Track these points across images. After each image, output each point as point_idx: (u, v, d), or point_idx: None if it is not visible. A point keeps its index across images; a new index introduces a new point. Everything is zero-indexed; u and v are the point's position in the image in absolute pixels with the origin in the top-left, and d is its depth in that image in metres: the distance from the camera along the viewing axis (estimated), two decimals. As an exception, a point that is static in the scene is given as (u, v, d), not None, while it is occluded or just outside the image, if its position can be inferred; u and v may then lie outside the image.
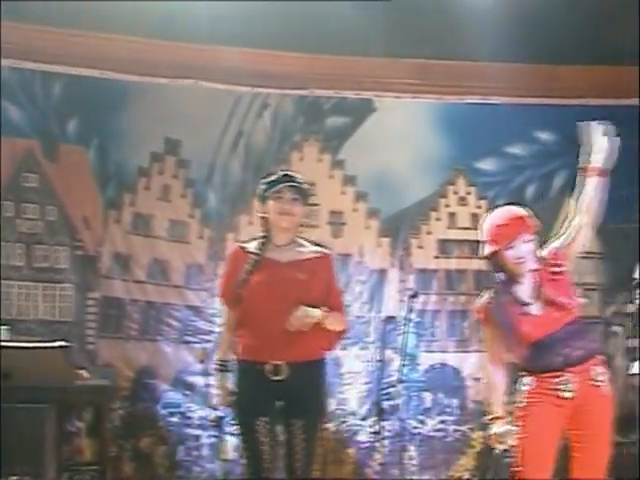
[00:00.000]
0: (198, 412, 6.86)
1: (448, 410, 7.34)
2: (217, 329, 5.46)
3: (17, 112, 6.82)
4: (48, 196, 6.89)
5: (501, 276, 3.85)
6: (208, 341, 6.65)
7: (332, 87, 7.57)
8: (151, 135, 7.18)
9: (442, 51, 7.30)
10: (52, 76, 6.94)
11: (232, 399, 4.12)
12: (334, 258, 4.35)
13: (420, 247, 7.57)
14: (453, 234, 7.44)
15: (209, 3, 6.61)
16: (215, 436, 6.26)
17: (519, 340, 3.78)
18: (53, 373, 5.16)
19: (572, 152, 7.80)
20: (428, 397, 7.36)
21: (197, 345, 6.87)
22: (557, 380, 3.76)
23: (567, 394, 3.76)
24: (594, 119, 7.48)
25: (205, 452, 6.92)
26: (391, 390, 6.33)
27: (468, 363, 7.25)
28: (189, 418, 6.94)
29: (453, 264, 7.44)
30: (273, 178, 4.22)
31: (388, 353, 6.44)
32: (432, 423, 7.31)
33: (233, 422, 4.13)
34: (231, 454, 5.97)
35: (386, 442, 6.21)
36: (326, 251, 4.27)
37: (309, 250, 4.22)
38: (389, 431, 6.34)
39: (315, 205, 7.31)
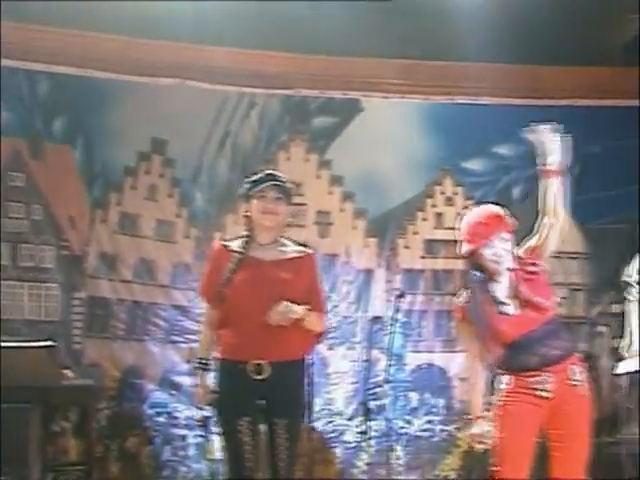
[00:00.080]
0: (185, 412, 6.84)
1: (435, 410, 7.35)
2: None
3: (2, 111, 6.80)
4: (34, 195, 6.87)
5: (478, 275, 3.86)
6: (195, 341, 6.63)
7: (319, 87, 7.58)
8: (138, 134, 7.17)
9: (429, 51, 7.31)
10: (38, 75, 6.92)
11: (213, 398, 4.11)
12: (317, 258, 4.35)
13: (407, 247, 7.58)
14: (440, 234, 7.45)
15: (196, 2, 6.60)
16: (202, 436, 6.25)
17: (496, 339, 3.79)
18: (38, 373, 5.15)
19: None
20: (415, 397, 7.37)
21: (184, 345, 6.86)
22: (534, 379, 3.77)
23: (544, 393, 3.76)
24: (580, 119, 7.51)
25: (192, 452, 6.91)
26: (378, 390, 6.32)
27: (455, 363, 7.25)
28: (176, 418, 6.93)
29: (440, 264, 7.46)
30: (257, 177, 4.22)
31: (375, 353, 6.43)
32: (419, 423, 7.32)
33: (215, 422, 4.11)
34: (218, 454, 5.96)
35: (373, 442, 6.19)
36: (309, 251, 4.27)
37: (293, 250, 4.21)
38: (376, 431, 6.32)
39: (302, 205, 7.32)
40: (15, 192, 6.82)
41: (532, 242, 3.88)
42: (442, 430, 7.28)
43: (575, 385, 3.79)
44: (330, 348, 7.24)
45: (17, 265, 6.78)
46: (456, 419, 7.22)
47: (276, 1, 6.56)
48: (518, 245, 3.90)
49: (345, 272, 7.41)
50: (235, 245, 4.18)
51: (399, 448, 7.16)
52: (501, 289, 3.83)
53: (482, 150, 7.62)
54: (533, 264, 3.83)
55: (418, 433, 7.30)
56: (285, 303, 3.99)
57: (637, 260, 4.94)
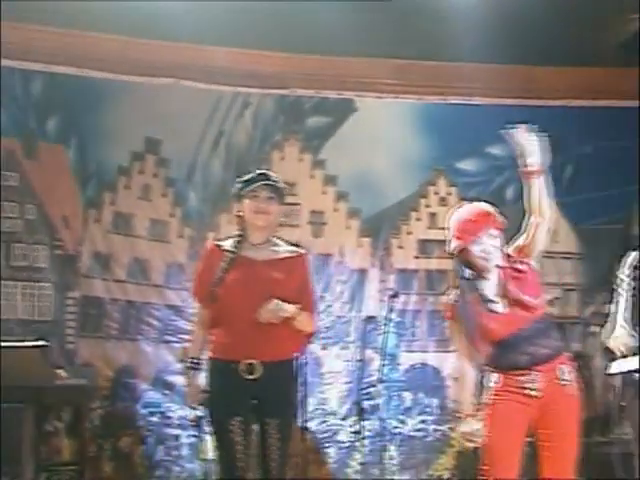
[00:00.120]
0: (178, 412, 6.84)
1: (428, 410, 7.36)
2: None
3: (-4, 110, 6.80)
4: (27, 195, 6.86)
5: (467, 273, 3.86)
6: (188, 340, 6.64)
7: (313, 87, 7.58)
8: (131, 134, 7.16)
9: (423, 52, 7.32)
10: (32, 74, 6.91)
11: (203, 397, 4.10)
12: (310, 258, 4.35)
13: (401, 247, 7.59)
14: (434, 234, 7.44)
15: (190, 2, 6.59)
16: (195, 436, 6.23)
17: (485, 338, 3.80)
18: (32, 373, 5.13)
19: (552, 153, 7.88)
20: (408, 397, 7.38)
21: (177, 344, 6.85)
22: (523, 378, 3.77)
23: (533, 392, 3.77)
24: (573, 120, 7.54)
25: (185, 452, 6.91)
26: (371, 390, 6.32)
27: (448, 363, 7.25)
28: (169, 418, 6.93)
29: (433, 264, 7.46)
30: (249, 177, 4.22)
31: (368, 353, 6.44)
32: (412, 423, 7.33)
33: (207, 421, 4.10)
34: (211, 454, 5.95)
35: (366, 442, 6.20)
36: (302, 251, 4.27)
37: (285, 249, 4.22)
38: (369, 431, 6.33)
39: (296, 205, 7.33)
40: (9, 191, 6.80)
41: (520, 241, 3.89)
42: (436, 430, 7.28)
43: (564, 385, 3.79)
44: (324, 348, 7.25)
45: (10, 265, 6.77)
46: (450, 419, 7.22)
47: (271, 1, 6.56)
48: (507, 244, 3.91)
49: (339, 272, 7.42)
50: (228, 244, 4.18)
51: (393, 448, 7.16)
52: (490, 287, 3.84)
53: (475, 150, 7.63)
54: (522, 263, 3.84)
55: (412, 433, 7.31)
56: (276, 301, 3.99)
57: (631, 256, 4.96)
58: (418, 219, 7.61)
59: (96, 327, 6.96)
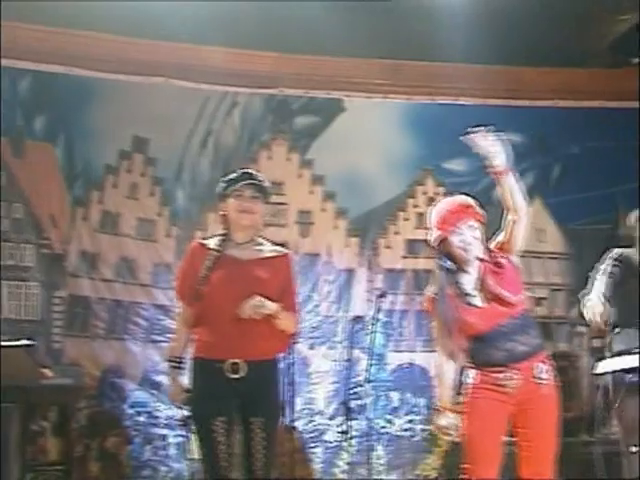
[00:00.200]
0: (165, 411, 6.82)
1: (416, 409, 7.36)
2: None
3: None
4: (15, 193, 6.83)
5: (447, 265, 3.88)
6: (171, 339, 6.62)
7: (302, 86, 7.59)
8: (119, 133, 7.15)
9: (412, 52, 7.33)
10: (19, 72, 6.89)
11: (187, 397, 4.09)
12: (293, 259, 4.35)
13: (388, 247, 7.59)
14: (421, 234, 7.39)
15: (179, 2, 6.58)
16: (182, 435, 6.22)
17: (462, 331, 3.82)
18: (18, 372, 5.09)
19: (540, 153, 7.92)
20: (396, 396, 7.38)
21: (164, 344, 6.82)
22: (501, 375, 3.78)
23: (510, 390, 3.77)
24: (560, 121, 7.56)
25: (172, 451, 6.89)
26: (359, 389, 6.32)
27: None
28: (156, 417, 6.91)
29: (421, 264, 7.46)
30: (233, 176, 4.21)
31: (356, 353, 6.44)
32: (400, 422, 7.34)
33: (189, 421, 4.09)
34: (195, 453, 5.95)
35: (354, 441, 6.20)
36: (285, 251, 4.28)
37: (269, 249, 4.22)
38: (357, 430, 6.32)
39: (283, 204, 7.33)
40: (-5, 190, 6.79)
41: (500, 238, 3.92)
42: (423, 430, 7.29)
43: (541, 383, 3.80)
44: (311, 348, 7.25)
45: (-3, 263, 6.75)
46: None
47: (259, 1, 6.56)
48: (489, 241, 3.93)
49: (326, 272, 7.42)
50: (212, 243, 4.18)
51: (380, 448, 7.17)
52: (469, 281, 3.86)
53: (463, 151, 7.55)
54: (502, 258, 3.85)
55: (399, 433, 7.32)
56: (258, 297, 3.99)
57: (614, 252, 5.02)
58: (406, 219, 7.62)
59: (83, 326, 6.94)
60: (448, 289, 3.85)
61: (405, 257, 7.56)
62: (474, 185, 7.61)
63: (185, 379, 4.11)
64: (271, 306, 4.02)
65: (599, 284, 4.78)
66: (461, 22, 6.64)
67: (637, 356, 4.63)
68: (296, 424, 6.39)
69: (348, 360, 6.27)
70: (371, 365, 6.14)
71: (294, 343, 5.20)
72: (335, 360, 7.23)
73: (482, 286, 3.83)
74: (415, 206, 7.61)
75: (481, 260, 3.85)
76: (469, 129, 3.84)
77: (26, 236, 6.84)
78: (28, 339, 5.33)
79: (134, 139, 7.21)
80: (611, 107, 7.70)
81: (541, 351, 3.86)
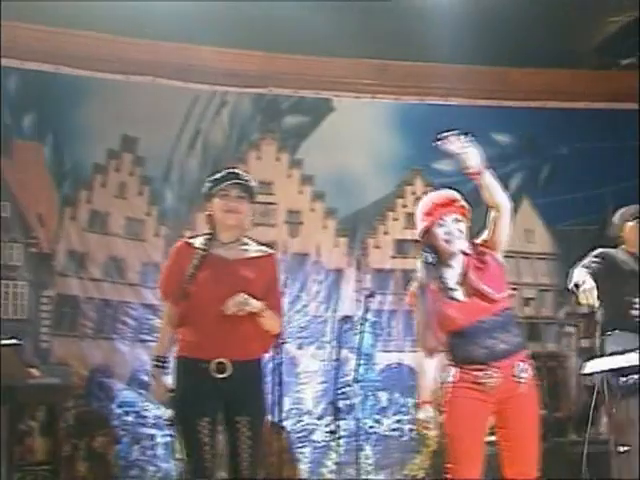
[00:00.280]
0: (153, 411, 6.81)
1: (404, 410, 7.37)
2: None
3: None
4: (2, 192, 6.80)
5: (431, 257, 3.89)
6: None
7: (291, 86, 7.58)
8: (108, 132, 7.13)
9: (401, 52, 7.33)
10: (7, 71, 6.85)
11: (169, 396, 4.08)
12: (279, 259, 4.36)
13: (377, 247, 7.60)
14: (410, 234, 7.42)
15: (167, 1, 6.56)
16: (170, 435, 6.22)
17: (443, 326, 3.83)
18: (5, 372, 5.08)
19: (528, 154, 7.94)
20: (384, 396, 7.39)
21: (153, 344, 6.81)
22: (480, 374, 3.78)
23: (490, 388, 3.78)
24: (549, 121, 7.57)
25: (160, 451, 6.88)
26: (347, 389, 6.33)
27: (424, 363, 7.27)
28: (144, 417, 6.90)
29: (410, 264, 7.43)
30: (219, 176, 4.21)
31: (344, 352, 6.44)
32: (388, 422, 7.34)
33: (173, 421, 4.07)
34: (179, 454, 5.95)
35: (342, 441, 6.20)
36: (271, 251, 4.28)
37: (254, 249, 4.22)
38: (345, 430, 6.33)
39: (272, 204, 7.32)
40: (-18, 189, 6.76)
41: (484, 236, 3.94)
42: (411, 429, 7.29)
43: (520, 382, 3.81)
44: (300, 347, 7.25)
45: (-16, 263, 6.72)
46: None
47: (249, 1, 6.55)
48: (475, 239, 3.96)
49: (315, 271, 7.42)
50: (198, 242, 4.18)
51: (368, 447, 7.17)
52: (452, 275, 3.87)
53: (453, 151, 7.64)
54: (486, 254, 3.87)
55: (387, 432, 7.32)
56: (243, 295, 3.99)
57: (597, 251, 5.07)
58: (395, 219, 7.63)
59: (71, 326, 6.92)
60: (431, 283, 3.86)
61: (394, 257, 7.57)
62: (463, 185, 7.57)
63: (169, 379, 4.10)
64: (256, 304, 4.03)
65: (577, 273, 4.78)
66: (449, 22, 6.65)
67: (625, 356, 4.64)
68: (284, 424, 6.39)
69: (337, 360, 6.27)
70: (359, 365, 6.15)
71: (280, 343, 5.20)
72: (324, 360, 7.23)
73: (464, 280, 3.84)
74: (404, 206, 7.62)
75: (465, 254, 3.87)
76: (439, 135, 3.86)
77: (14, 235, 6.81)
78: (16, 338, 5.32)
79: (123, 138, 7.19)
80: (600, 108, 7.73)
81: (522, 350, 3.87)
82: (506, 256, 3.97)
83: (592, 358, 4.94)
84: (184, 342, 4.09)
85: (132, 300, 7.07)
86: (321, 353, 7.29)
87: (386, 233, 7.61)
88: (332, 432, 6.04)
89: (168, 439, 6.58)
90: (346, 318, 6.64)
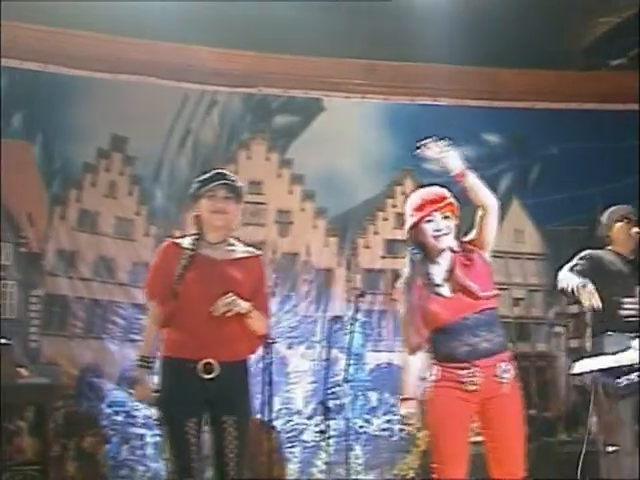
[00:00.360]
0: (143, 411, 6.79)
1: (394, 409, 7.35)
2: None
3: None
4: (-9, 192, 6.79)
5: (419, 255, 3.90)
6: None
7: (281, 86, 7.58)
8: (98, 131, 7.12)
9: (391, 52, 7.34)
10: (-4, 69, 6.84)
11: (153, 396, 4.07)
12: (265, 260, 4.37)
13: (367, 247, 7.60)
14: (400, 234, 7.40)
15: (158, 1, 6.55)
16: (160, 435, 6.21)
17: (427, 321, 3.84)
18: (-6, 371, 5.09)
19: (517, 154, 7.95)
20: (374, 396, 7.39)
21: (142, 343, 6.81)
22: (462, 372, 3.79)
23: (472, 388, 3.79)
24: (538, 122, 7.58)
25: (150, 451, 6.87)
26: (337, 389, 6.34)
27: (414, 363, 7.27)
28: (134, 417, 6.88)
29: (400, 264, 7.43)
30: (206, 176, 4.22)
31: (334, 352, 6.44)
32: (378, 422, 7.35)
33: (159, 421, 4.07)
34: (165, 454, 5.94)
35: (332, 441, 6.20)
36: (258, 252, 4.29)
37: (242, 250, 4.24)
38: (335, 430, 6.33)
39: (262, 204, 7.32)
40: (-28, 188, 6.73)
41: (472, 235, 3.96)
42: (401, 429, 7.30)
43: (502, 382, 3.81)
44: (289, 347, 7.25)
45: (-27, 262, 6.70)
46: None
47: (240, 1, 6.54)
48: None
49: (305, 271, 7.42)
50: (186, 243, 4.18)
51: (358, 447, 7.18)
52: (438, 271, 3.89)
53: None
54: (473, 252, 3.88)
55: (377, 432, 7.33)
56: (232, 295, 3.99)
57: (584, 252, 5.09)
58: (385, 219, 7.63)
59: (61, 325, 6.90)
60: (417, 279, 3.87)
61: (384, 257, 7.57)
62: (452, 185, 7.64)
63: (154, 379, 4.09)
64: (244, 304, 4.03)
65: (564, 275, 4.80)
66: (438, 23, 6.65)
67: (615, 357, 4.66)
68: (274, 424, 6.39)
69: (326, 360, 6.27)
70: (349, 365, 6.15)
71: (270, 343, 5.20)
72: (313, 360, 7.23)
73: (451, 277, 3.86)
74: (394, 206, 7.62)
75: (453, 252, 3.88)
76: (418, 142, 3.88)
77: (3, 234, 6.78)
78: (5, 338, 5.32)
79: (113, 137, 7.18)
80: (589, 109, 7.75)
81: (504, 350, 3.88)
82: (495, 256, 3.99)
83: (581, 358, 4.95)
84: (171, 342, 4.09)
85: (122, 300, 7.06)
86: (311, 353, 7.29)
87: (376, 233, 7.62)
88: (322, 432, 6.04)
89: (157, 439, 6.57)
90: (336, 318, 6.63)
